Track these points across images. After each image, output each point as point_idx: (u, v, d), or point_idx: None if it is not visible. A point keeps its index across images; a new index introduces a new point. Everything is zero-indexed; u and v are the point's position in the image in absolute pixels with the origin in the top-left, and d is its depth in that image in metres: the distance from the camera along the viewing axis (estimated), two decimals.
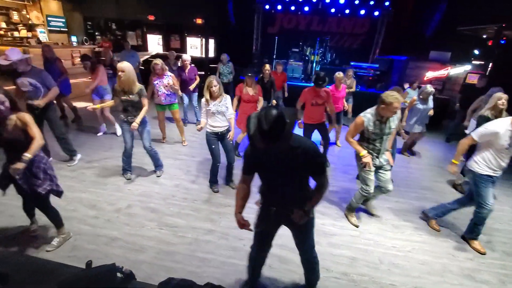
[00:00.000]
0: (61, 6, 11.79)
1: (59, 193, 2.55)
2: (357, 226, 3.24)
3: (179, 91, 4.89)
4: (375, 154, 2.98)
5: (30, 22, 10.85)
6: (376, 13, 9.50)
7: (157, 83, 4.58)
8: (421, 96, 4.62)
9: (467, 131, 4.73)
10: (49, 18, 11.34)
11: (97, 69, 5.02)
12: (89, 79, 5.31)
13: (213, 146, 3.48)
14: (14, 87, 3.57)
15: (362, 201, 3.30)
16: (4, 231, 2.76)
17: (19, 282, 1.11)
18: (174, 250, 2.70)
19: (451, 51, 8.10)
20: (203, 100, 3.36)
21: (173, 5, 11.27)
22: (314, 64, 8.48)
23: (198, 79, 5.90)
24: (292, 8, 9.60)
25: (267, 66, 5.32)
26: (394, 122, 2.89)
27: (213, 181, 3.77)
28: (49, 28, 11.36)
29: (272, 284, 2.42)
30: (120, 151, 3.82)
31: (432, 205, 3.42)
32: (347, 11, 9.60)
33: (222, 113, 3.38)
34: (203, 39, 11.75)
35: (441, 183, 4.51)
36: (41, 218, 2.72)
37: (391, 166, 3.13)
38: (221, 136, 3.51)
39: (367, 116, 2.85)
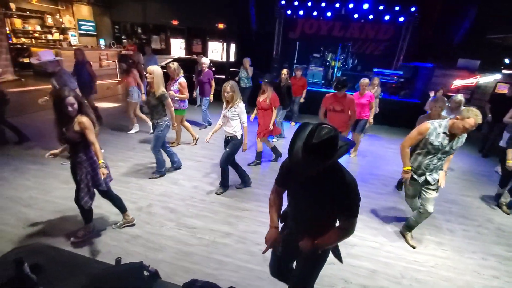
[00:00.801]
0: (91, 10, 12.42)
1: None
2: (413, 247, 3.03)
3: (186, 98, 4.83)
4: (423, 170, 2.73)
5: (62, 25, 11.50)
6: (401, 19, 9.29)
7: (170, 88, 4.69)
8: (450, 105, 4.40)
9: (501, 144, 4.51)
10: (80, 22, 11.96)
11: (131, 71, 5.27)
12: (115, 80, 5.54)
13: (225, 149, 3.56)
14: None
15: (403, 229, 3.18)
16: (36, 224, 2.90)
17: (52, 272, 1.17)
18: (192, 251, 2.72)
19: (480, 59, 7.76)
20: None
21: (196, 10, 11.58)
22: (335, 70, 8.39)
23: (213, 84, 5.96)
24: (314, 13, 9.58)
25: (285, 71, 5.32)
26: (459, 142, 2.58)
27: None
28: (80, 31, 11.98)
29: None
30: (142, 151, 3.93)
31: (457, 220, 3.26)
32: (370, 17, 9.46)
33: (230, 119, 3.39)
34: (224, 44, 11.97)
35: (468, 197, 4.30)
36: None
37: (439, 187, 2.79)
38: (227, 141, 3.56)
39: (435, 124, 2.57)
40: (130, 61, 5.48)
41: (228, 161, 3.59)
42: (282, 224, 1.83)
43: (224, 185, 3.76)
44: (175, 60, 9.98)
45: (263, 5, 9.56)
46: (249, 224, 3.21)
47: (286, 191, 1.67)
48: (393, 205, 3.86)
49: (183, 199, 3.57)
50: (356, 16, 9.56)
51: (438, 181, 2.74)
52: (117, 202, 2.84)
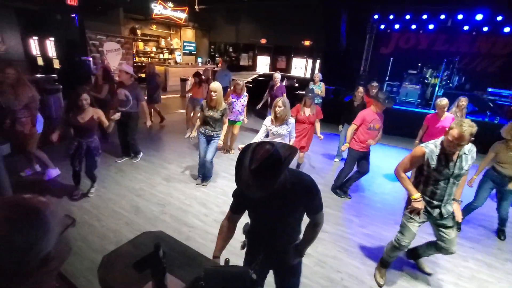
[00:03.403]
0: (194, 33, 14.37)
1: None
2: (379, 285, 2.57)
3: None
4: (437, 202, 2.27)
5: (172, 47, 13.64)
6: None
7: (234, 101, 4.92)
8: None
9: None
10: (185, 43, 13.96)
11: (202, 85, 5.90)
12: (187, 92, 6.28)
13: None
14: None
15: (409, 253, 2.75)
16: (144, 213, 3.39)
17: (171, 259, 1.32)
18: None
19: None
20: (268, 118, 3.34)
21: (284, 28, 12.08)
22: (437, 88, 7.39)
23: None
24: (413, 26, 8.75)
25: (361, 89, 4.97)
26: (467, 161, 2.16)
27: None
28: (183, 51, 13.97)
29: None
30: (226, 159, 4.20)
31: None
32: (485, 29, 8.06)
33: (282, 136, 3.26)
34: (309, 60, 12.06)
35: None
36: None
37: (457, 223, 2.35)
38: None
39: (430, 146, 2.19)
40: (203, 77, 6.12)
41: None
42: (248, 248, 1.71)
43: None
44: (260, 75, 10.59)
45: (354, 20, 9.28)
46: (329, 248, 3.02)
47: (249, 214, 1.59)
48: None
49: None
50: (466, 28, 8.29)
51: (453, 214, 2.31)
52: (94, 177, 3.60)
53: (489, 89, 7.04)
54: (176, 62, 13.15)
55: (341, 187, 4.14)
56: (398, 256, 2.63)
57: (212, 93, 3.59)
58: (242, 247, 1.71)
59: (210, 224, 3.25)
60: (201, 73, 6.25)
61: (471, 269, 2.85)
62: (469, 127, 1.99)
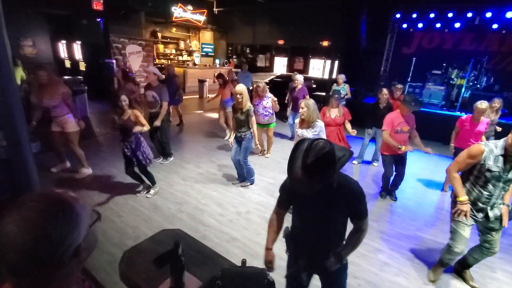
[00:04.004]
0: (212, 35, 14.58)
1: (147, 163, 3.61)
2: (431, 281, 2.59)
3: (277, 108, 5.03)
4: (482, 205, 2.21)
5: (190, 48, 13.92)
6: None
7: (257, 104, 4.87)
8: None
9: None
10: (203, 45, 14.20)
11: (227, 85, 5.94)
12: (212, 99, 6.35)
13: None
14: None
15: (459, 267, 2.66)
16: (161, 210, 3.47)
17: (189, 257, 1.34)
18: (284, 265, 2.68)
19: None
20: (297, 120, 3.31)
21: (302, 29, 12.00)
22: (463, 89, 7.04)
23: None
24: (438, 25, 8.41)
25: (385, 91, 4.79)
26: None
27: None
28: (202, 53, 14.21)
29: None
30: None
31: None
32: None
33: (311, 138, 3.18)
34: (327, 61, 11.89)
35: None
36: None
37: (503, 227, 2.27)
38: None
39: (490, 146, 2.11)
40: (225, 78, 6.17)
41: None
42: (290, 250, 1.73)
43: None
44: (277, 77, 10.56)
45: (375, 19, 9.05)
46: None
47: (293, 214, 1.63)
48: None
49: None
50: (495, 26, 7.86)
51: (500, 218, 2.23)
52: (151, 176, 3.69)
53: None
54: (194, 64, 13.41)
55: (389, 191, 4.15)
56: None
57: (238, 95, 3.65)
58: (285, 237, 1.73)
59: (225, 224, 3.27)
60: (223, 74, 6.32)
61: (499, 281, 2.69)
62: None
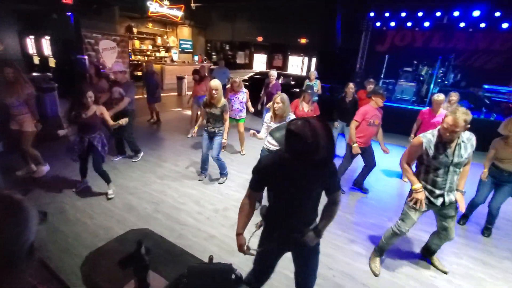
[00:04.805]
0: (191, 31, 14.31)
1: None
2: (375, 275, 2.64)
3: (251, 107, 5.08)
4: (439, 191, 2.33)
5: (168, 45, 13.58)
6: None
7: (232, 99, 4.89)
8: None
9: None
10: (181, 41, 13.90)
11: (203, 82, 5.88)
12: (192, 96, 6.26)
13: None
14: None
15: (424, 252, 2.84)
16: (136, 210, 3.38)
17: (157, 256, 1.32)
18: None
19: None
20: (268, 114, 3.33)
21: (280, 26, 12.05)
22: (432, 86, 7.39)
23: None
24: (409, 24, 8.77)
25: (351, 85, 4.97)
26: (466, 149, 2.22)
27: None
28: (180, 49, 13.91)
29: None
30: (224, 158, 4.20)
31: None
32: (482, 25, 8.08)
33: None
34: (305, 58, 12.05)
35: None
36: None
37: (464, 218, 2.47)
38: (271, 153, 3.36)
39: (427, 136, 2.28)
40: (202, 74, 6.11)
41: None
42: (265, 229, 1.76)
43: None
44: (256, 73, 10.56)
45: (350, 18, 9.28)
46: (322, 245, 3.01)
47: (269, 193, 1.65)
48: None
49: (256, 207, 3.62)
50: (462, 24, 8.31)
51: (455, 203, 2.38)
52: (107, 174, 3.55)
53: (485, 86, 7.06)
54: (172, 60, 13.11)
55: (359, 184, 4.26)
56: (395, 246, 2.70)
57: (213, 91, 3.63)
58: (258, 227, 1.78)
59: (203, 222, 3.25)
60: (199, 70, 6.25)
61: (465, 267, 2.84)
62: (463, 114, 2.05)
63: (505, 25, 7.82)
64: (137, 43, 12.64)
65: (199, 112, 5.99)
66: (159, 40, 13.42)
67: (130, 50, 11.64)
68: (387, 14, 8.87)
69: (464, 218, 3.58)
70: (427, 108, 4.34)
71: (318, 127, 1.22)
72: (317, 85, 6.70)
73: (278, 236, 1.66)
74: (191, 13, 12.95)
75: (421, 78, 7.72)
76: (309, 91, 4.26)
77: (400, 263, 2.83)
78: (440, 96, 4.08)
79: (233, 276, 1.16)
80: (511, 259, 2.99)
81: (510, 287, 2.63)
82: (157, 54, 13.41)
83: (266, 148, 3.31)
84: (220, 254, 2.76)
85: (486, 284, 2.65)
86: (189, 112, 8.05)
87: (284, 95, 3.17)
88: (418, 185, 2.34)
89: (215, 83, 3.67)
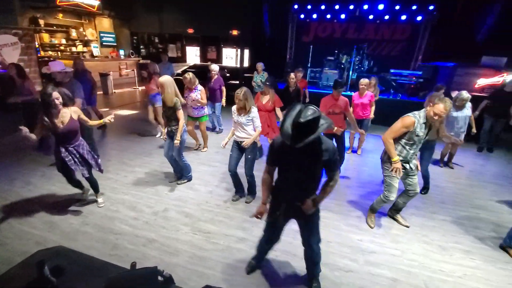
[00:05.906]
0: (112, 23, 12.97)
1: (101, 170, 3.30)
2: (371, 227, 3.27)
3: (206, 104, 4.96)
4: (409, 159, 2.95)
5: (86, 38, 12.06)
6: (419, 18, 9.06)
7: (186, 97, 4.72)
8: (456, 103, 4.25)
9: None
10: (101, 34, 12.51)
11: (152, 79, 5.42)
12: (133, 88, 5.73)
13: (231, 153, 3.48)
14: None
15: (392, 212, 3.42)
16: (59, 228, 3.01)
17: (73, 274, 1.20)
18: (207, 255, 2.73)
19: (507, 56, 7.37)
20: (233, 108, 3.38)
21: (211, 18, 11.82)
22: (351, 72, 8.24)
23: (224, 90, 5.99)
24: (328, 16, 9.53)
25: (292, 75, 5.28)
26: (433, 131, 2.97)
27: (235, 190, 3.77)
28: (101, 43, 12.52)
29: (277, 271, 2.60)
30: (159, 156, 4.01)
31: (488, 227, 3.07)
32: (386, 17, 9.28)
33: (242, 124, 3.31)
34: (238, 50, 12.12)
35: (498, 203, 4.04)
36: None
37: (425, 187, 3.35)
38: (240, 146, 3.43)
39: (417, 116, 2.79)
40: (151, 70, 5.62)
41: (253, 168, 3.54)
42: (273, 200, 2.13)
43: (253, 192, 3.73)
44: (191, 67, 10.23)
45: (276, 10, 9.62)
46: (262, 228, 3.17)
47: (279, 168, 2.01)
48: (414, 210, 3.70)
49: (198, 203, 3.60)
50: (371, 17, 9.40)
51: (416, 165, 3.05)
52: (96, 184, 3.36)
53: (392, 70, 8.17)
54: (92, 56, 11.74)
55: None
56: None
57: (160, 88, 3.52)
58: (258, 216, 2.11)
59: (140, 227, 3.08)
60: (147, 66, 5.71)
61: (384, 227, 3.31)
62: (450, 103, 2.63)
63: (403, 17, 9.13)
64: (46, 36, 10.89)
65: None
66: (74, 33, 11.80)
67: (37, 46, 10.00)
68: (309, 7, 9.46)
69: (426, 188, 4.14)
70: (356, 92, 5.06)
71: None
72: (264, 77, 6.84)
73: (284, 204, 2.02)
74: (110, 3, 11.70)
75: (342, 66, 8.53)
76: (268, 83, 4.31)
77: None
78: (365, 80, 4.87)
79: (161, 279, 1.14)
80: (417, 214, 3.61)
81: (416, 237, 3.17)
82: (74, 49, 11.81)
83: (234, 139, 3.47)
84: (161, 257, 2.67)
85: (400, 238, 3.14)
86: (120, 112, 7.43)
87: (245, 89, 3.20)
88: (396, 158, 2.86)
89: (162, 79, 3.48)
